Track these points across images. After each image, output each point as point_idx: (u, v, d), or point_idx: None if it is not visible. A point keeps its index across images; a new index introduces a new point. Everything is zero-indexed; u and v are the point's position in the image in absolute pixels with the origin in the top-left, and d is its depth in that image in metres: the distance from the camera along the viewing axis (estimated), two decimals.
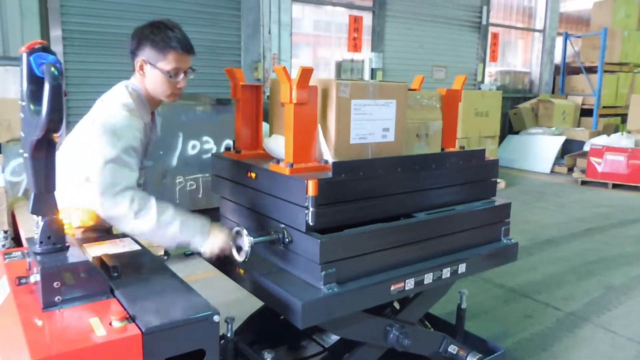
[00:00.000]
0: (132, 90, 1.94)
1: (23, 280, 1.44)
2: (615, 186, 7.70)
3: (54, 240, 1.50)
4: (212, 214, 2.08)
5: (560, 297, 3.76)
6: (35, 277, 1.40)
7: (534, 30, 10.81)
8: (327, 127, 1.83)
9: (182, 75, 1.93)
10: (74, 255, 1.50)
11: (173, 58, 1.88)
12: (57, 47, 5.18)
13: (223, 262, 2.02)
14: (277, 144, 1.99)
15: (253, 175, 1.92)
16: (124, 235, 2.00)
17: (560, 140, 9.06)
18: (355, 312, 1.83)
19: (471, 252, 2.13)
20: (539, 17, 10.80)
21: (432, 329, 2.56)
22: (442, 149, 2.23)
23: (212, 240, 1.83)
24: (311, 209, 1.65)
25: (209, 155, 4.73)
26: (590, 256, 4.69)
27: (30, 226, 1.56)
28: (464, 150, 2.18)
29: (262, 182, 1.90)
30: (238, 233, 1.81)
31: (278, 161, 1.86)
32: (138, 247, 1.90)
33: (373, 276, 1.82)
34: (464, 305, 2.56)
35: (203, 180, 4.74)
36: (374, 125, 1.90)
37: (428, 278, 1.95)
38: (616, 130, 9.63)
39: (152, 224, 1.73)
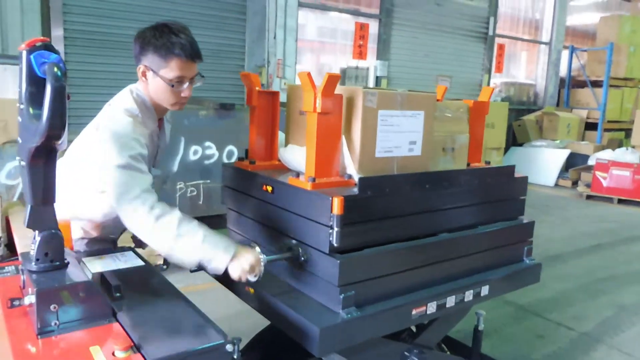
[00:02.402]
0: (136, 96, 1.80)
1: (16, 303, 1.31)
2: (620, 201, 7.61)
3: (52, 257, 1.36)
4: (213, 222, 1.92)
5: (571, 316, 3.64)
6: (30, 299, 1.27)
7: (540, 42, 10.78)
8: (351, 139, 1.69)
9: (186, 84, 1.77)
10: (73, 273, 1.37)
11: (176, 65, 1.72)
12: (58, 47, 5.01)
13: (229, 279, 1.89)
14: (294, 155, 1.86)
15: (269, 188, 1.78)
16: (127, 249, 1.88)
17: (564, 153, 8.98)
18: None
19: (494, 274, 2.02)
20: (545, 30, 10.78)
21: (448, 352, 2.43)
22: (468, 164, 2.11)
23: (241, 260, 1.62)
24: (336, 229, 1.51)
25: (211, 161, 4.68)
26: (599, 273, 4.59)
27: (25, 232, 1.44)
28: (493, 167, 2.05)
29: (279, 196, 1.76)
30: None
31: (297, 174, 1.73)
32: (141, 263, 1.77)
33: (393, 299, 1.70)
34: (481, 327, 2.43)
35: (204, 187, 4.64)
36: (401, 138, 1.76)
37: (450, 301, 1.83)
38: (620, 145, 9.60)
39: (172, 233, 1.58)
